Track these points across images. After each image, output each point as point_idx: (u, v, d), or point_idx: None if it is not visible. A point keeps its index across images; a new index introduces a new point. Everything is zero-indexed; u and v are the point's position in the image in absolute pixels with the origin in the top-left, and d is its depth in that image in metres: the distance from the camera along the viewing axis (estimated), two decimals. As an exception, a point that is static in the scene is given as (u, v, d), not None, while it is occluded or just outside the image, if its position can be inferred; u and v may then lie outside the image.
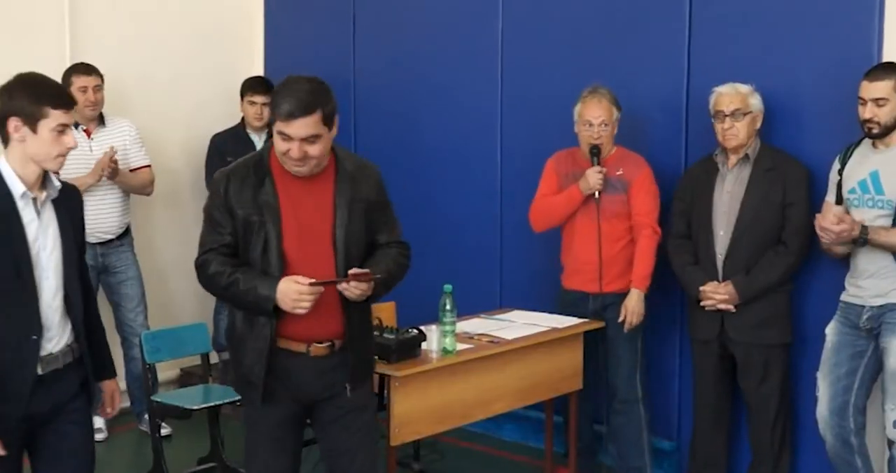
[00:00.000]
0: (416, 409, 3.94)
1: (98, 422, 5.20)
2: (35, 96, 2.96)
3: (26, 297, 2.97)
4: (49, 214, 3.06)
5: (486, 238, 5.61)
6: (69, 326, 3.10)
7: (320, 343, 3.24)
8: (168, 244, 6.20)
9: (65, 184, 3.15)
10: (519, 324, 4.60)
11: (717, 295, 4.37)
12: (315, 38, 6.45)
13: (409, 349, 3.93)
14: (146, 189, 5.60)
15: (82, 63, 5.43)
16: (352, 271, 3.13)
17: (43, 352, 3.01)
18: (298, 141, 3.09)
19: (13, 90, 2.98)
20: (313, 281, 3.09)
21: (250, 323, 3.23)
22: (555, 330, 4.53)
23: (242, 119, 6.05)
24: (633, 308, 4.61)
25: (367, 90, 6.18)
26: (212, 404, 4.73)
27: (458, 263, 5.67)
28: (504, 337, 4.37)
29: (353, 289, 3.13)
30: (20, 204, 2.99)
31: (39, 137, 2.97)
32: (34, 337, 2.98)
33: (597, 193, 4.60)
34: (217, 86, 6.39)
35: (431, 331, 4.01)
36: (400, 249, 3.37)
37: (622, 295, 4.64)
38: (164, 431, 5.40)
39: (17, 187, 2.98)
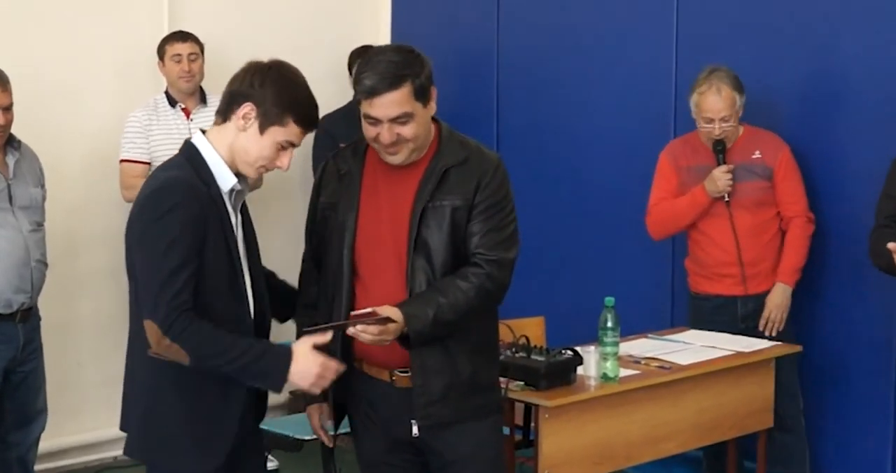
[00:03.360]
0: (569, 447, 3.90)
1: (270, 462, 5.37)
2: (286, 99, 2.96)
3: (244, 307, 3.01)
4: (238, 212, 3.10)
5: (655, 243, 5.49)
6: (262, 330, 3.13)
7: (404, 371, 3.18)
8: (275, 244, 6.23)
9: None
10: (696, 347, 4.55)
11: None
12: (452, 2, 6.48)
13: (562, 374, 3.90)
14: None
15: (179, 30, 5.61)
16: (353, 312, 3.06)
17: None
18: (387, 122, 3.05)
19: (269, 76, 2.98)
20: (318, 326, 2.99)
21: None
22: (740, 354, 4.47)
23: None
24: (778, 305, 4.70)
25: (512, 64, 6.17)
26: (326, 434, 4.76)
27: (621, 272, 5.63)
28: (677, 361, 4.32)
29: (361, 334, 2.98)
30: (225, 197, 3.00)
31: (261, 140, 2.97)
32: None
33: (726, 196, 4.66)
34: (335, 60, 6.46)
35: (589, 353, 3.98)
36: (474, 270, 3.14)
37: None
38: (271, 465, 5.47)
39: (227, 178, 2.99)
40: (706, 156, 4.74)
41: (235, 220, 3.04)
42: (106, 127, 5.61)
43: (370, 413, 3.28)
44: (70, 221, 5.27)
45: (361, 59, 3.16)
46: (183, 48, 5.50)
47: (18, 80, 4.58)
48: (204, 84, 5.64)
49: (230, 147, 3.00)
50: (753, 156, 4.73)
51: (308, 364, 2.91)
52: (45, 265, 4.61)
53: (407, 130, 3.07)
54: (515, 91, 6.17)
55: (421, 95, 3.07)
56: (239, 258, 3.00)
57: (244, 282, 3.02)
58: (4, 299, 4.40)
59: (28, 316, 4.53)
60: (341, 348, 3.17)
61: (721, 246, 4.75)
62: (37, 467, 5.36)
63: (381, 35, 6.74)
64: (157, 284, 2.83)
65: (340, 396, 3.30)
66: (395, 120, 3.04)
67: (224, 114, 3.01)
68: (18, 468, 4.66)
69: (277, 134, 2.96)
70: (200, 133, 3.05)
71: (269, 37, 6.29)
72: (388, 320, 2.98)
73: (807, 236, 4.74)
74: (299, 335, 3.15)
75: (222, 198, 2.98)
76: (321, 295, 3.28)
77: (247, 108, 2.95)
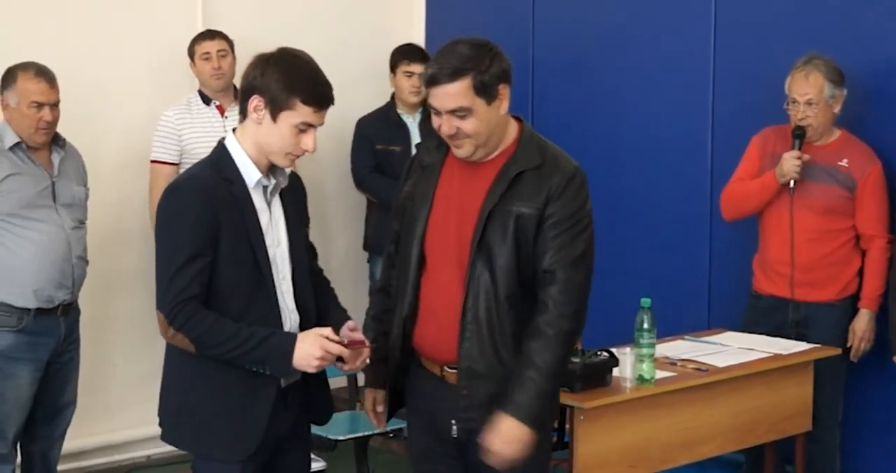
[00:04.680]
0: (604, 449, 3.89)
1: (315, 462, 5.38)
2: (289, 82, 2.98)
3: (268, 300, 3.05)
4: (277, 206, 3.14)
5: (692, 242, 5.54)
6: (300, 326, 3.16)
7: (453, 368, 3.19)
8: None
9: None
10: (733, 349, 4.52)
11: None
12: (486, 2, 6.49)
13: (598, 376, 3.88)
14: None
15: (207, 29, 5.65)
16: (348, 340, 3.08)
17: None
18: (446, 114, 3.05)
19: (270, 65, 3.00)
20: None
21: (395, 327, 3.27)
22: (778, 356, 4.45)
23: (392, 97, 6.10)
24: (861, 332, 4.64)
25: (547, 59, 6.15)
26: (360, 435, 4.76)
27: (656, 273, 5.61)
28: (714, 363, 4.30)
29: (355, 365, 3.10)
30: (252, 193, 3.06)
31: (277, 128, 3.00)
32: None
33: (792, 182, 4.60)
34: (368, 60, 6.46)
35: (625, 355, 3.97)
36: (544, 318, 3.06)
37: (829, 308, 4.68)
38: (317, 466, 5.49)
39: (252, 174, 3.05)
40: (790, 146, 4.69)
41: (270, 215, 3.09)
42: (141, 126, 5.63)
43: (421, 404, 3.30)
44: (105, 219, 5.28)
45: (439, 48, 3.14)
46: (211, 46, 5.52)
47: (53, 79, 4.62)
48: (237, 81, 5.64)
49: (255, 142, 3.05)
50: (840, 163, 4.65)
51: (310, 347, 2.95)
52: (86, 262, 4.67)
53: (466, 125, 3.05)
54: (550, 90, 6.15)
55: (484, 92, 3.03)
56: (264, 252, 3.04)
57: (270, 276, 3.05)
58: (46, 295, 4.45)
59: (69, 310, 4.61)
60: (401, 339, 3.23)
61: (778, 242, 4.72)
62: (71, 465, 5.41)
63: (414, 34, 6.74)
64: (165, 279, 2.96)
65: (400, 384, 3.34)
66: (453, 112, 3.04)
67: (242, 111, 3.07)
68: (41, 464, 4.68)
69: (290, 118, 2.98)
70: (232, 132, 3.11)
71: (302, 36, 6.24)
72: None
73: (886, 259, 4.64)
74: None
75: (248, 194, 3.04)
76: (397, 280, 3.31)
77: (256, 101, 3.00)
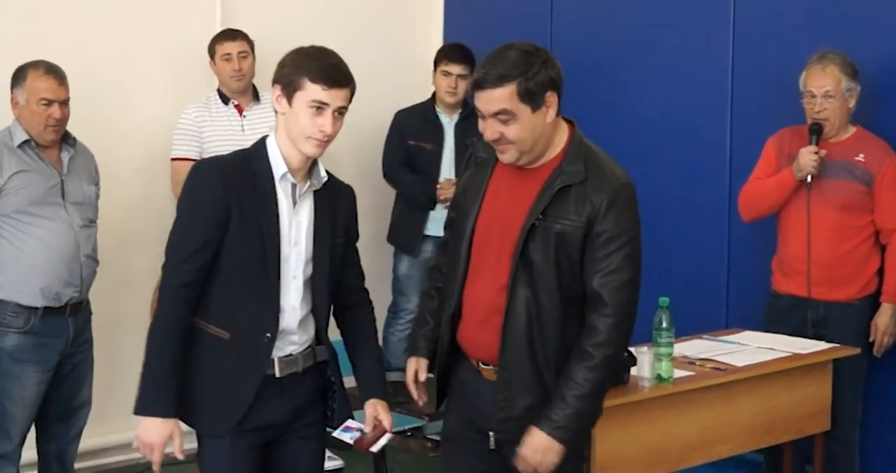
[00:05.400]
0: (622, 448, 3.89)
1: (332, 460, 5.47)
2: (298, 66, 3.09)
3: (268, 291, 3.16)
4: (307, 208, 3.22)
5: (711, 241, 5.53)
6: (312, 328, 3.28)
7: (487, 365, 3.22)
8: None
9: (338, 180, 3.32)
10: (751, 348, 4.52)
11: None
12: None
13: (616, 374, 3.83)
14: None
15: (227, 29, 5.64)
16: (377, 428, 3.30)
17: (281, 353, 3.21)
18: (490, 118, 3.04)
19: (285, 59, 3.15)
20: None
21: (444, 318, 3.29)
22: (797, 356, 4.44)
23: (433, 95, 6.11)
24: (884, 326, 4.62)
25: (566, 58, 6.07)
26: (377, 433, 4.76)
27: (674, 272, 5.58)
28: (732, 363, 4.30)
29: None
30: (279, 188, 3.16)
31: (294, 111, 3.10)
32: (268, 334, 3.17)
33: (809, 178, 4.59)
34: (387, 58, 6.46)
35: (642, 354, 3.97)
36: (592, 341, 3.04)
37: (849, 307, 4.66)
38: (334, 464, 5.52)
39: (279, 167, 3.15)
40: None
41: (294, 214, 3.19)
42: (160, 125, 5.64)
43: (460, 391, 3.33)
44: (123, 219, 5.31)
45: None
46: (232, 47, 5.52)
47: (73, 79, 4.62)
48: (256, 81, 5.66)
49: (285, 135, 3.15)
50: (856, 158, 4.64)
51: (154, 433, 3.12)
52: (96, 261, 4.66)
53: (510, 131, 3.04)
54: (568, 89, 6.08)
55: (529, 98, 3.02)
56: (275, 247, 3.14)
57: (276, 270, 3.16)
58: (54, 292, 4.46)
59: (78, 309, 4.59)
60: (449, 335, 3.26)
61: (795, 240, 4.71)
62: (89, 463, 5.42)
63: (433, 33, 6.75)
64: (168, 249, 3.17)
65: (447, 377, 3.36)
66: (496, 116, 3.03)
67: (277, 109, 3.18)
68: (57, 464, 4.70)
69: (302, 98, 3.07)
70: (272, 132, 3.23)
71: (321, 35, 6.23)
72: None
73: None
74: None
75: (273, 188, 3.14)
76: (447, 277, 3.34)
77: (276, 92, 3.13)
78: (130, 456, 5.72)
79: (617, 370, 3.83)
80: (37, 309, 4.44)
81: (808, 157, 4.59)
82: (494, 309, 3.14)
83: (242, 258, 3.12)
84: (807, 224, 4.64)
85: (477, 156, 3.30)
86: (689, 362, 4.27)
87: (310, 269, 3.22)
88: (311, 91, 3.06)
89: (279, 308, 3.18)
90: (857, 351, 4.58)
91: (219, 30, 5.73)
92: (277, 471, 3.31)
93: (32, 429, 4.67)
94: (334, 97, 3.08)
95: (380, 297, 3.71)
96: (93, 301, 4.74)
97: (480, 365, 3.24)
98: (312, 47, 3.17)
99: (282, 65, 3.13)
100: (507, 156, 3.10)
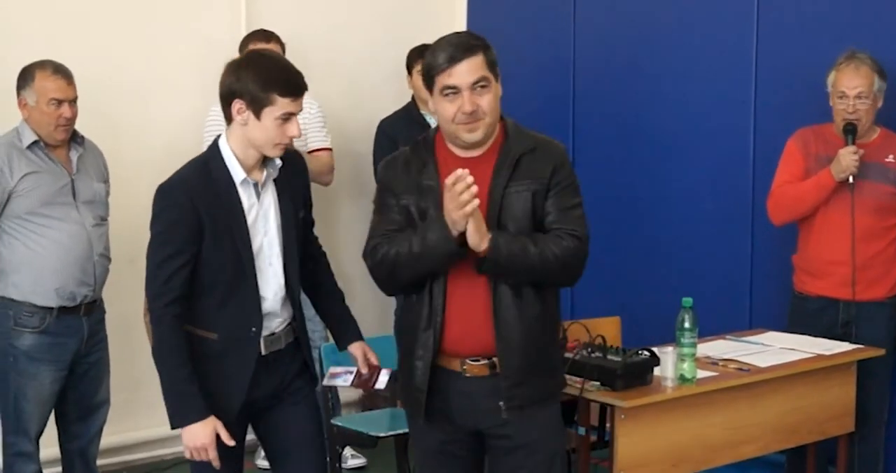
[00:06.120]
0: (645, 448, 3.88)
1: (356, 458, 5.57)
2: (263, 81, 3.24)
3: (248, 290, 3.37)
4: (269, 197, 3.43)
5: (734, 242, 5.51)
6: (290, 305, 3.50)
7: (475, 360, 3.28)
8: (350, 242, 6.29)
9: (286, 152, 3.43)
10: (775, 349, 4.50)
11: None
12: (528, 2, 6.49)
13: (639, 374, 3.88)
14: (324, 177, 5.69)
15: (262, 29, 5.62)
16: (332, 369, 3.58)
17: (266, 332, 3.43)
18: (468, 90, 3.17)
19: (243, 69, 3.29)
20: None
21: (415, 326, 3.31)
22: (821, 357, 4.42)
23: (413, 98, 6.08)
24: None
25: (589, 58, 6.14)
26: (401, 432, 4.76)
27: (698, 272, 5.58)
28: (756, 364, 4.28)
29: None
30: (240, 190, 3.35)
31: (262, 124, 3.28)
32: (254, 328, 3.39)
33: (851, 178, 4.55)
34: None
35: (666, 354, 3.95)
36: (564, 236, 3.24)
37: (880, 307, 4.63)
38: (357, 462, 5.52)
39: (237, 173, 3.34)
40: (837, 147, 4.61)
41: (259, 209, 3.38)
42: (184, 124, 5.65)
43: (439, 403, 3.34)
44: (145, 218, 5.29)
45: (429, 47, 3.28)
46: (265, 48, 5.52)
47: (97, 79, 4.63)
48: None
49: (242, 142, 3.33)
50: (887, 159, 4.62)
51: (200, 436, 3.27)
52: (108, 259, 4.67)
53: (485, 101, 3.19)
54: (591, 89, 6.14)
55: (492, 68, 3.21)
56: (248, 248, 3.33)
57: (252, 269, 3.35)
58: (68, 292, 4.47)
59: (92, 308, 4.61)
60: (434, 341, 3.28)
61: (835, 241, 4.65)
62: (114, 459, 5.45)
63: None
64: (149, 273, 3.35)
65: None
66: (475, 85, 3.17)
67: (226, 116, 3.34)
68: (80, 461, 4.72)
69: (272, 112, 3.25)
70: (223, 136, 3.39)
71: (344, 35, 6.31)
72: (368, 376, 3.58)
73: None
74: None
75: (235, 192, 3.33)
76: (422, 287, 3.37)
77: (238, 105, 3.27)
78: (154, 453, 5.76)
79: (639, 371, 3.86)
80: (52, 309, 4.46)
81: (849, 158, 4.53)
82: (479, 286, 3.23)
83: (219, 265, 3.32)
84: (851, 225, 4.57)
85: (409, 164, 3.33)
86: (712, 362, 4.26)
87: (282, 253, 3.43)
88: (282, 105, 3.25)
89: (260, 301, 3.39)
90: (882, 352, 4.55)
91: (244, 30, 5.74)
92: (274, 438, 3.55)
93: (54, 428, 4.69)
94: (299, 104, 3.30)
95: (383, 300, 3.75)
96: (108, 300, 4.74)
97: (468, 363, 3.28)
98: (263, 57, 3.37)
99: (239, 77, 3.26)
100: (478, 132, 3.23)
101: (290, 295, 3.48)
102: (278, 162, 3.40)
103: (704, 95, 5.61)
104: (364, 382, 3.64)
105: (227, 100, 3.29)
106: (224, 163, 3.33)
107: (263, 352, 3.42)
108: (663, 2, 5.82)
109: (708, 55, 5.59)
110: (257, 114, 3.25)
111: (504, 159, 3.26)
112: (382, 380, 3.64)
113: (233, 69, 3.31)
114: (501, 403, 3.26)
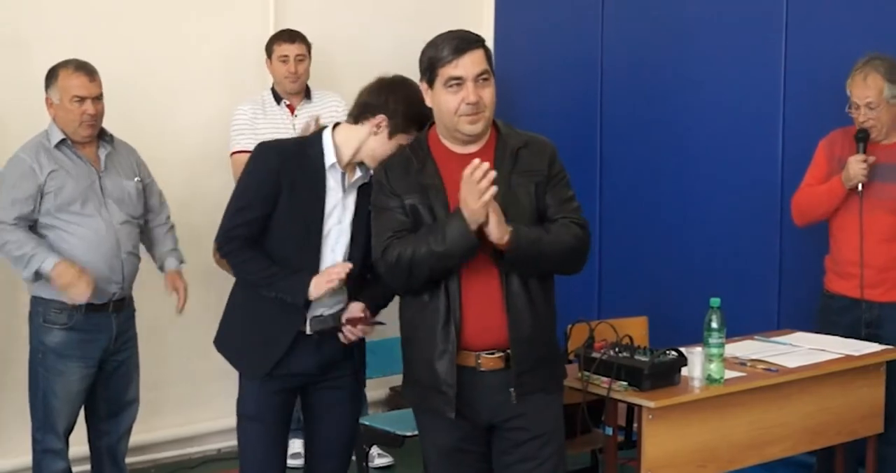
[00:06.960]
0: (672, 449, 3.88)
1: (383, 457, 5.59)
2: (413, 115, 3.51)
3: (307, 262, 3.59)
4: (353, 198, 3.65)
5: (762, 242, 5.50)
6: (345, 295, 3.67)
7: (490, 353, 3.31)
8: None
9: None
10: (803, 350, 4.49)
11: None
12: (555, 5, 6.49)
13: (666, 374, 3.87)
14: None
15: (287, 30, 5.64)
16: (348, 316, 3.60)
17: (314, 313, 3.64)
18: (472, 81, 3.25)
19: (392, 92, 3.56)
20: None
21: (432, 324, 3.33)
22: (849, 357, 4.40)
23: None
24: None
25: (616, 60, 6.13)
26: (427, 431, 4.75)
27: (726, 272, 5.57)
28: (784, 364, 4.26)
29: (348, 335, 3.59)
30: (328, 174, 3.59)
31: (388, 143, 3.55)
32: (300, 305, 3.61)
33: (859, 186, 4.57)
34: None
35: (694, 354, 3.95)
36: (571, 224, 3.36)
37: None
38: (384, 461, 5.52)
39: (329, 157, 3.59)
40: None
41: (341, 198, 3.62)
42: (212, 123, 5.68)
43: (454, 401, 3.35)
44: (176, 216, 5.33)
45: (428, 44, 3.38)
46: (291, 49, 5.53)
47: (127, 78, 4.65)
48: (311, 82, 5.67)
49: (355, 142, 3.59)
50: None
51: (319, 277, 3.57)
52: (138, 257, 4.66)
53: (487, 94, 3.28)
54: (619, 90, 6.13)
55: (490, 63, 3.31)
56: (318, 220, 3.58)
57: (318, 242, 3.59)
58: (97, 289, 4.44)
59: (121, 306, 4.60)
60: (456, 336, 3.31)
61: (849, 244, 4.67)
62: (142, 457, 5.47)
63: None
64: (225, 217, 3.65)
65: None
66: (479, 77, 3.26)
67: (356, 118, 3.60)
68: (108, 458, 4.73)
69: (402, 139, 3.54)
70: (331, 126, 3.66)
71: (372, 35, 6.32)
72: (377, 323, 3.63)
73: None
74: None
75: (323, 172, 3.59)
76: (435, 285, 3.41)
77: (380, 119, 3.54)
78: (182, 451, 5.79)
79: (666, 371, 3.85)
80: (80, 306, 4.45)
81: (856, 167, 4.55)
82: (492, 280, 3.30)
83: (286, 236, 3.59)
84: (859, 230, 4.60)
85: (407, 165, 3.39)
86: (740, 363, 4.25)
87: (347, 252, 3.63)
88: (411, 136, 3.50)
89: (317, 273, 3.58)
90: (914, 351, 4.53)
91: (272, 29, 5.77)
92: (314, 413, 3.82)
93: (84, 425, 4.71)
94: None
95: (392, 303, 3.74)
96: (138, 300, 4.74)
97: (483, 356, 3.32)
98: (410, 87, 3.54)
99: (387, 100, 3.53)
100: (480, 124, 3.31)
101: (347, 287, 3.64)
102: (371, 172, 3.60)
103: (732, 94, 5.60)
104: (351, 319, 3.63)
105: (370, 110, 3.55)
106: (321, 149, 3.59)
107: (308, 331, 3.63)
108: (690, 7, 5.80)
109: (736, 54, 5.58)
110: (391, 135, 3.53)
111: (503, 153, 3.36)
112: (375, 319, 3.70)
113: (383, 88, 3.57)
114: (511, 389, 3.31)
